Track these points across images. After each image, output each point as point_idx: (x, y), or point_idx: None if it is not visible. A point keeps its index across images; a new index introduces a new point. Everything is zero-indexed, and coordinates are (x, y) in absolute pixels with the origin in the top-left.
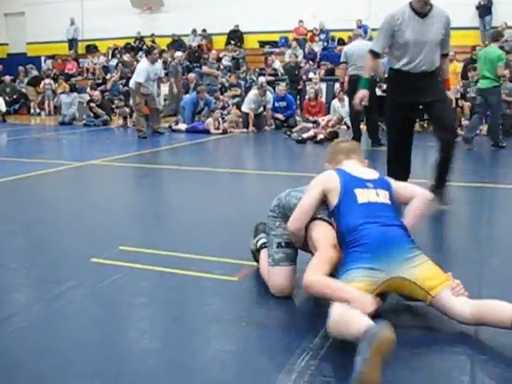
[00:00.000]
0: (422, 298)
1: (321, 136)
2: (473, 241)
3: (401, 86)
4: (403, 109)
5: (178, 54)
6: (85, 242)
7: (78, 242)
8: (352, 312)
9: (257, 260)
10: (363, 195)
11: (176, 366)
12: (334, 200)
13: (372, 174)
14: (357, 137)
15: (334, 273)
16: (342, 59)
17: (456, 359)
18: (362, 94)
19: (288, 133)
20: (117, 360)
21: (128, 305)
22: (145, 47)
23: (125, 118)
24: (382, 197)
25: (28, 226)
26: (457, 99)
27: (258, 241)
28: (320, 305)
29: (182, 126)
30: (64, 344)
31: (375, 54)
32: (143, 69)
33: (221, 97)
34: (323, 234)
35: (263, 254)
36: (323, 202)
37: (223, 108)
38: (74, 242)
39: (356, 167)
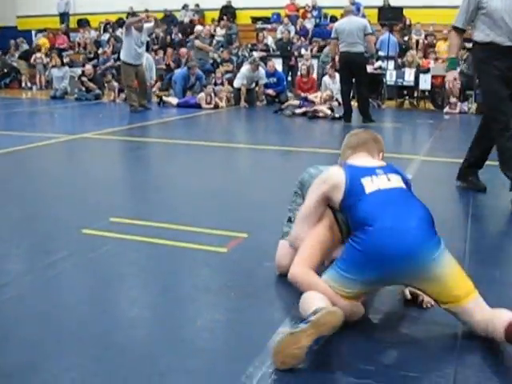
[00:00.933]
0: (436, 302)
1: (326, 112)
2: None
3: (494, 59)
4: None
5: (199, 28)
6: (76, 213)
7: (69, 213)
8: (315, 295)
9: None
10: (372, 183)
11: (166, 335)
12: (338, 197)
13: (381, 163)
14: (348, 113)
15: (327, 259)
16: (332, 35)
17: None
18: (453, 75)
19: (278, 111)
20: (107, 328)
21: (118, 274)
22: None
23: (119, 92)
24: (395, 181)
25: (19, 197)
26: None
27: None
28: None
29: (173, 100)
30: (56, 313)
31: (460, 30)
32: (129, 34)
33: (213, 74)
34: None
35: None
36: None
37: (216, 84)
38: (65, 213)
39: (363, 159)
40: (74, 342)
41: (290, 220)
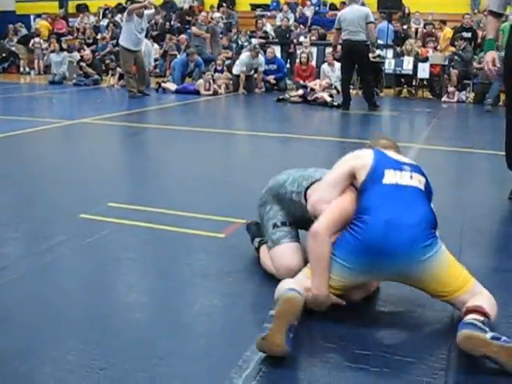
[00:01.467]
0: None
1: (327, 98)
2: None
3: None
4: None
5: (217, 14)
6: (74, 198)
7: (67, 198)
8: (287, 281)
9: None
10: (393, 176)
11: (164, 319)
12: (361, 177)
13: (411, 161)
14: (346, 101)
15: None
16: (336, 25)
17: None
18: (492, 55)
19: (280, 99)
20: (105, 312)
21: (116, 259)
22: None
23: (119, 78)
24: (416, 181)
25: (17, 182)
26: (444, 66)
27: (256, 242)
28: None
29: (172, 86)
30: (54, 296)
31: (496, 14)
32: (130, 20)
33: (213, 62)
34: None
35: (262, 248)
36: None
37: (216, 71)
38: (63, 198)
39: (394, 154)
40: (72, 326)
41: (275, 226)
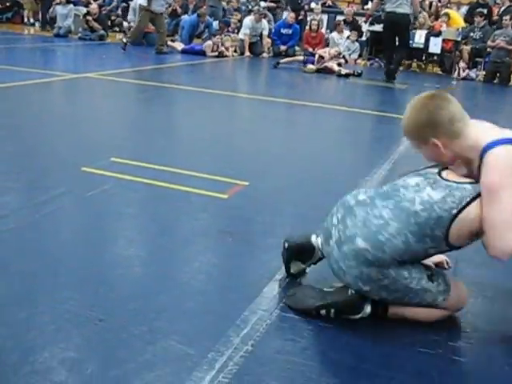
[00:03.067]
0: None
1: (335, 68)
2: None
3: None
4: None
5: None
6: (76, 151)
7: (70, 150)
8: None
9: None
10: None
11: (162, 275)
12: None
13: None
14: (390, 73)
15: None
16: None
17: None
18: None
19: (276, 65)
20: (103, 265)
21: (117, 214)
22: None
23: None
24: None
25: (19, 132)
26: (457, 42)
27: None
28: (309, 224)
29: (178, 45)
30: (53, 247)
31: None
32: None
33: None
34: None
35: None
36: None
37: (227, 32)
38: (65, 150)
39: (492, 127)
40: (70, 277)
41: (430, 277)
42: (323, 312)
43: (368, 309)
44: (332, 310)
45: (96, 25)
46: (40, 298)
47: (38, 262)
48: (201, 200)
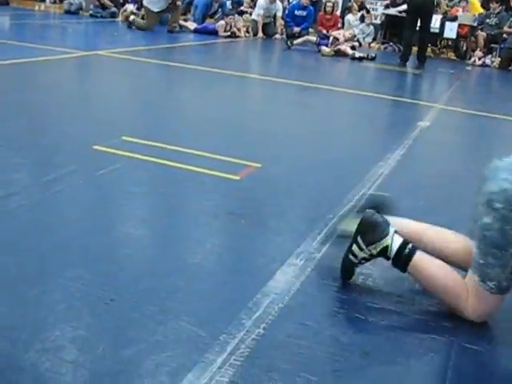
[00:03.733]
0: None
1: (349, 51)
2: None
3: None
4: None
5: None
6: (87, 129)
7: (81, 128)
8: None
9: (348, 270)
10: None
11: (172, 255)
12: None
13: None
14: (405, 56)
15: None
16: None
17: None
18: None
19: (288, 43)
20: (113, 244)
21: (128, 193)
22: None
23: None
24: None
25: (30, 109)
26: (473, 27)
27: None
28: (321, 208)
29: (191, 25)
30: (62, 225)
31: None
32: None
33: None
34: None
35: (421, 257)
36: None
37: (242, 13)
38: (76, 128)
39: None
40: (80, 256)
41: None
42: (354, 248)
43: (396, 239)
44: (358, 237)
45: (108, 2)
46: (50, 276)
47: (48, 240)
48: (213, 181)
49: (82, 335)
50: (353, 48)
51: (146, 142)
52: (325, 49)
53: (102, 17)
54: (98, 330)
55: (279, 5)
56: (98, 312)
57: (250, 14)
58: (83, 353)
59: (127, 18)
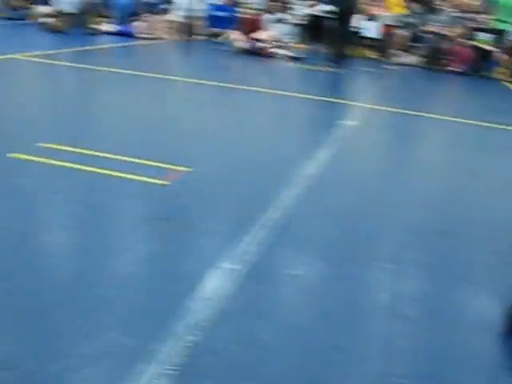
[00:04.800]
0: None
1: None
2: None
3: None
4: None
5: None
6: (3, 137)
7: None
8: None
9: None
10: None
11: (97, 264)
12: None
13: None
14: (334, 57)
15: None
16: None
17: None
18: None
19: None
20: (31, 254)
21: (46, 201)
22: None
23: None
24: None
25: None
26: (393, 27)
27: None
28: (252, 210)
29: (110, 27)
30: None
31: None
32: None
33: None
34: None
35: None
36: None
37: (162, 13)
38: None
39: None
40: None
41: None
42: None
43: None
44: None
45: (18, 3)
46: None
47: None
48: (139, 187)
49: (6, 351)
50: (278, 48)
51: (65, 148)
52: (237, 43)
53: (12, 19)
54: (23, 346)
55: (201, 5)
56: (20, 327)
57: (171, 15)
58: (9, 370)
59: (40, 19)
